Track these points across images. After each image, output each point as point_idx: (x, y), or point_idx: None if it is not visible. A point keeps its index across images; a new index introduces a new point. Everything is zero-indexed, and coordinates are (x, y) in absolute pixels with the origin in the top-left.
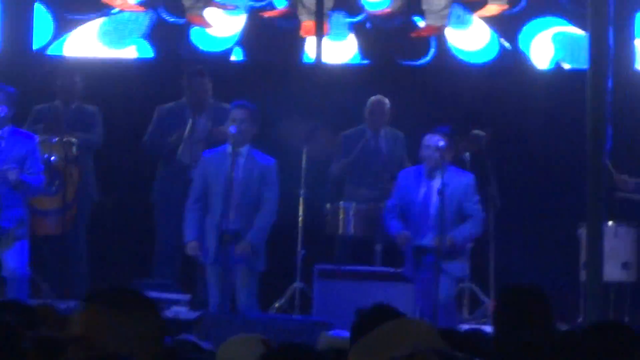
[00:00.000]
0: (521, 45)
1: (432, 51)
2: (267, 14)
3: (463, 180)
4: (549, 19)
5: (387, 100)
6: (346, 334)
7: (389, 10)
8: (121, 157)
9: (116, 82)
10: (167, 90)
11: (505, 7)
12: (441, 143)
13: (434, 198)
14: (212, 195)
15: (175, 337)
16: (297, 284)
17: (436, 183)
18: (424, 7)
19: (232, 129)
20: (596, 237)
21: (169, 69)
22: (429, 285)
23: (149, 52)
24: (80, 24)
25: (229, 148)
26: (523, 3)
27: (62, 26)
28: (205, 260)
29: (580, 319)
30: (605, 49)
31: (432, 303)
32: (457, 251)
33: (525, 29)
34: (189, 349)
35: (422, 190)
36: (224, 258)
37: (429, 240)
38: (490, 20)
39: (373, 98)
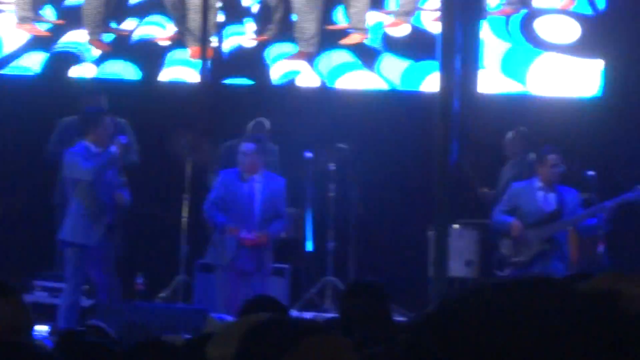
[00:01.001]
0: (376, 70)
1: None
2: (157, 40)
3: (277, 185)
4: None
5: (267, 122)
6: (229, 317)
7: (264, 37)
8: (20, 164)
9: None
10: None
11: (366, 36)
12: (252, 148)
13: (258, 197)
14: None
15: (85, 323)
16: (181, 277)
17: (256, 184)
18: (296, 35)
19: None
20: (442, 238)
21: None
22: (250, 277)
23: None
24: None
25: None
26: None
27: None
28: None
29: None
30: (452, 74)
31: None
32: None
33: (379, 57)
34: (96, 333)
35: (243, 190)
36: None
37: (252, 234)
38: (353, 48)
39: (255, 120)
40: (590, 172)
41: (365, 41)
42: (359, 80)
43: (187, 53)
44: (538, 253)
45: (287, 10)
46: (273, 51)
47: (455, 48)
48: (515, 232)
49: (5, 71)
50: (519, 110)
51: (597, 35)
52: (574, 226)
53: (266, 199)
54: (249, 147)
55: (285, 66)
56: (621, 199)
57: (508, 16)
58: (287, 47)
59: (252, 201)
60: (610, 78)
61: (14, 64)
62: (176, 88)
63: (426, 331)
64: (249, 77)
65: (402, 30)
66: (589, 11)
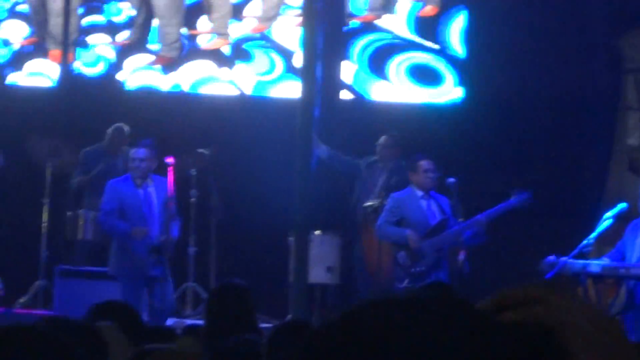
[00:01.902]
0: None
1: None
2: (22, 43)
3: (167, 187)
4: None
5: (126, 127)
6: None
7: (127, 42)
8: None
9: None
10: None
11: (228, 42)
12: (144, 154)
13: (155, 201)
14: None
15: None
16: (40, 282)
17: (150, 189)
18: (159, 39)
19: None
20: (302, 244)
21: None
22: (163, 284)
23: None
24: None
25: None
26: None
27: None
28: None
29: (289, 317)
30: (313, 81)
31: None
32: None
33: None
34: None
35: (139, 196)
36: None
37: (158, 240)
38: (212, 53)
39: (113, 126)
40: (451, 179)
41: (226, 47)
42: (218, 86)
43: (45, 57)
44: (433, 263)
45: (149, 14)
46: (133, 58)
47: (317, 54)
48: (413, 243)
49: None
50: (384, 116)
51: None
52: (460, 236)
53: (162, 202)
54: (141, 152)
55: (145, 73)
56: (502, 207)
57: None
58: (146, 55)
59: (150, 206)
60: (472, 82)
61: None
62: (34, 92)
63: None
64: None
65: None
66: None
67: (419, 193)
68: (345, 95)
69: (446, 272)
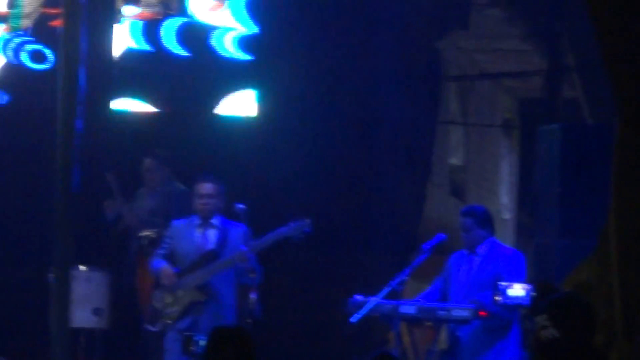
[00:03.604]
0: None
1: None
2: None
3: None
4: None
5: None
6: None
7: None
8: None
9: None
10: None
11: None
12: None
13: None
14: None
15: None
16: None
17: None
18: None
19: None
20: (63, 282)
21: None
22: None
23: None
24: None
25: None
26: None
27: None
28: None
29: None
30: (75, 89)
31: None
32: None
33: None
34: None
35: None
36: None
37: None
38: None
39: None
40: (240, 205)
41: None
42: None
43: None
44: (191, 303)
45: None
46: None
47: (81, 58)
48: (165, 279)
49: None
50: (159, 131)
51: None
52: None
53: None
54: None
55: None
56: (272, 236)
57: (148, 21)
58: None
59: None
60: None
61: None
62: None
63: None
64: None
65: None
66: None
67: (198, 221)
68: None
69: (224, 313)
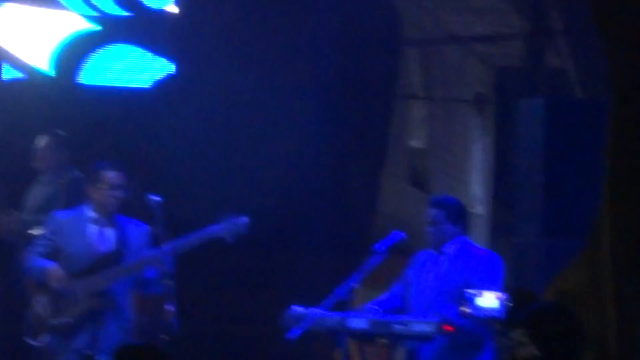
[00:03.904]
0: None
1: None
2: None
3: None
4: None
5: None
6: None
7: None
8: None
9: None
10: None
11: None
12: None
13: None
14: None
15: None
16: None
17: None
18: None
19: None
20: None
21: None
22: None
23: None
24: None
25: None
26: None
27: None
28: None
29: None
30: None
31: None
32: None
33: None
34: None
35: None
36: None
37: None
38: None
39: None
40: (155, 197)
41: None
42: None
43: None
44: (86, 312)
45: None
46: None
47: None
48: (54, 282)
49: None
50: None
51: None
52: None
53: None
54: None
55: None
56: (199, 236)
57: None
58: None
59: None
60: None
61: None
62: None
63: None
64: None
65: None
66: None
67: (92, 215)
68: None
69: (121, 327)
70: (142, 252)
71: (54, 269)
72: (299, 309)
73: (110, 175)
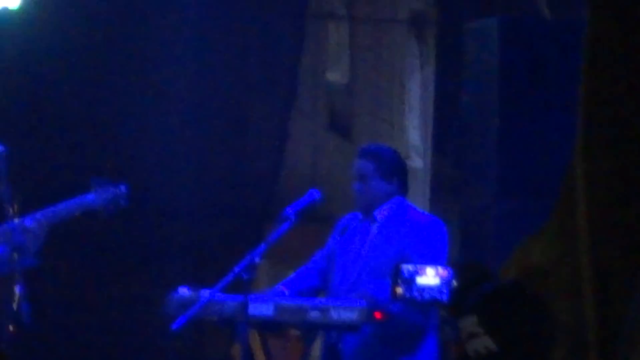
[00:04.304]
0: None
1: None
2: None
3: None
4: None
5: None
6: None
7: None
8: None
9: None
10: None
11: None
12: None
13: None
14: None
15: None
16: None
17: None
18: None
19: None
20: None
21: None
22: None
23: None
24: None
25: None
26: None
27: None
28: None
29: None
30: None
31: None
32: None
33: None
34: None
35: None
36: None
37: None
38: None
39: None
40: None
41: None
42: None
43: None
44: None
45: None
46: None
47: None
48: None
49: None
50: None
51: None
52: None
53: None
54: None
55: None
56: (72, 205)
57: None
58: None
59: None
60: None
61: None
62: None
63: None
64: None
65: None
66: None
67: None
68: None
69: None
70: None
71: None
72: (186, 292)
73: None
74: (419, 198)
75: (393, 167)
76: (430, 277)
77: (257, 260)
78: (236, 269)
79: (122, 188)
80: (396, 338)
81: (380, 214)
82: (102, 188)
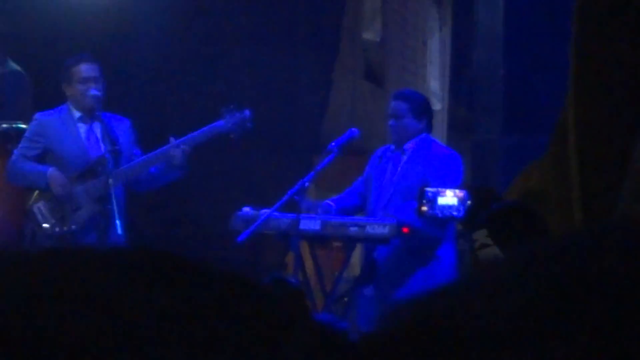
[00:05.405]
0: None
1: None
2: None
3: None
4: None
5: None
6: None
7: None
8: None
9: None
10: None
11: None
12: None
13: None
14: None
15: None
16: None
17: None
18: None
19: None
20: None
21: None
22: None
23: None
24: None
25: None
26: None
27: None
28: None
29: None
30: None
31: None
32: None
33: None
34: None
35: None
36: None
37: None
38: None
39: None
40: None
41: None
42: None
43: None
44: (91, 217)
45: None
46: None
47: None
48: (57, 187)
49: None
50: None
51: None
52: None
53: None
54: None
55: None
56: (207, 130)
57: None
58: None
59: None
60: None
61: None
62: None
63: None
64: None
65: None
66: None
67: (76, 114)
68: None
69: (116, 235)
70: (130, 149)
71: (55, 173)
72: (249, 211)
73: (83, 68)
74: (437, 135)
75: (423, 108)
76: (449, 197)
77: (307, 185)
78: (290, 192)
79: (247, 113)
80: (419, 248)
81: (409, 146)
82: (230, 114)
